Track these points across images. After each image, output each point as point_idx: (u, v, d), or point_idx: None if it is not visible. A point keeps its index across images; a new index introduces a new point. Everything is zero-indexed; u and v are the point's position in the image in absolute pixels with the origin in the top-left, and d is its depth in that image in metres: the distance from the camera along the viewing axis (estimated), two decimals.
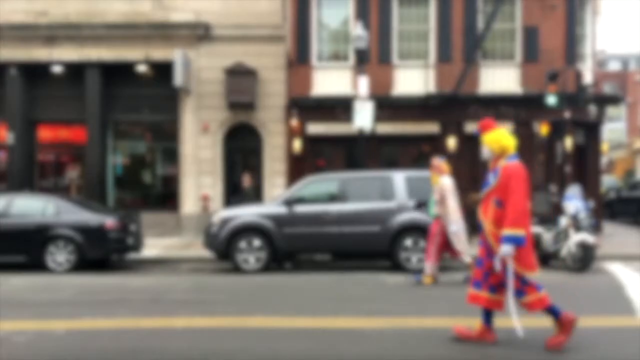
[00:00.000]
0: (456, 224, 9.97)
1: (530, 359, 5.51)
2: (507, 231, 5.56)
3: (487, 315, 5.91)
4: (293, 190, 12.51)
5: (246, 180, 16.24)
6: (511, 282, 5.65)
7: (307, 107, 18.13)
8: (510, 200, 5.62)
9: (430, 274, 9.90)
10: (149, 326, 6.89)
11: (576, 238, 11.28)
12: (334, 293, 9.10)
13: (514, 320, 5.64)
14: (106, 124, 18.68)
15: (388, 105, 17.76)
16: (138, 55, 18.14)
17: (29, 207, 12.83)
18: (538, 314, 5.79)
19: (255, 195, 16.74)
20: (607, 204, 24.26)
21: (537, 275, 5.73)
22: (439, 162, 10.27)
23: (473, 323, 6.03)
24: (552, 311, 5.71)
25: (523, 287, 5.71)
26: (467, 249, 10.08)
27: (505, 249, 5.55)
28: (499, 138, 5.89)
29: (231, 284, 10.43)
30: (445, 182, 10.03)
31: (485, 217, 5.85)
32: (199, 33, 18.17)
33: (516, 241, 5.54)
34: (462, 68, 17.65)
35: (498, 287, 5.84)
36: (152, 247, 14.97)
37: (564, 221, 11.85)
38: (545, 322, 5.88)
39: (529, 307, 5.76)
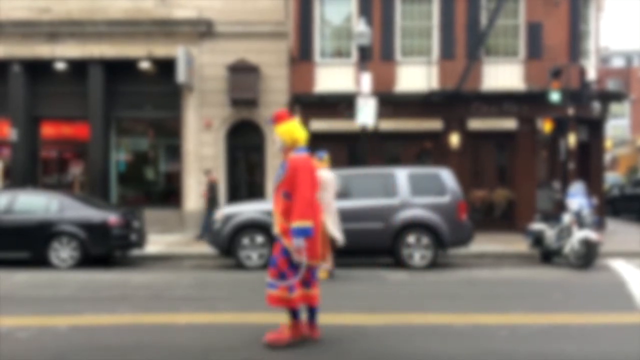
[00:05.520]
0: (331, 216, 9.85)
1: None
2: (295, 224, 5.54)
3: (311, 312, 5.87)
4: None
5: (210, 177, 16.26)
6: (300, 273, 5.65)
7: (309, 103, 18.13)
8: (297, 192, 5.59)
9: (326, 268, 9.92)
10: (152, 322, 6.91)
11: (579, 235, 11.27)
12: (336, 290, 9.08)
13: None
14: (109, 120, 18.72)
15: (391, 102, 17.76)
16: (140, 52, 18.17)
17: (33, 203, 12.85)
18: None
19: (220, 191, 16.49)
20: (610, 201, 24.23)
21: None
22: (316, 160, 9.62)
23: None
24: (295, 314, 5.74)
25: (311, 279, 5.77)
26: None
27: (297, 242, 5.55)
28: (291, 130, 5.95)
29: (233, 280, 10.44)
30: (321, 175, 9.11)
31: (276, 210, 5.81)
32: (202, 30, 18.17)
33: (304, 232, 5.53)
34: (465, 64, 17.61)
35: (310, 281, 5.81)
36: (155, 243, 15.01)
37: (567, 218, 11.84)
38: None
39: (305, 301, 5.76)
